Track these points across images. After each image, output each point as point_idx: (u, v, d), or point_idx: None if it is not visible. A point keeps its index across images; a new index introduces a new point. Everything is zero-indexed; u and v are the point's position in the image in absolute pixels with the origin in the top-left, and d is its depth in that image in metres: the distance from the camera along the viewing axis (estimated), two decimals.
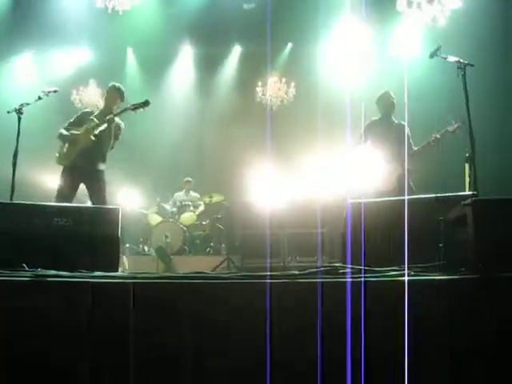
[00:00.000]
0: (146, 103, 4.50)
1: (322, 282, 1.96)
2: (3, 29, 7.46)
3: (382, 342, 1.87)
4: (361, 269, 2.15)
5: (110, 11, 5.95)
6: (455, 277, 2.05)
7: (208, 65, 8.60)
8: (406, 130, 4.94)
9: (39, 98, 4.42)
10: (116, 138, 4.66)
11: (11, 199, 3.87)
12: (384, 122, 4.94)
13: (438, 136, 4.76)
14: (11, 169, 4.05)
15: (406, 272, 2.03)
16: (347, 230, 2.92)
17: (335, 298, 1.91)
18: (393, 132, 4.88)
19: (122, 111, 4.54)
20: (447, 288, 1.95)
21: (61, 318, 1.96)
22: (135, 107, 4.48)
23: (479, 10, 6.37)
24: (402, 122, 4.92)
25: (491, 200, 2.33)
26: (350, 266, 2.24)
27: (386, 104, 4.93)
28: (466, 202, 2.35)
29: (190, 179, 7.76)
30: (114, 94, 4.74)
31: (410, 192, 4.58)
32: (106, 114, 4.61)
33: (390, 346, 1.87)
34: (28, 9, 7.46)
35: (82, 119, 4.66)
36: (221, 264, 6.16)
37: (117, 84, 4.80)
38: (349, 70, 7.59)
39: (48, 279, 2.13)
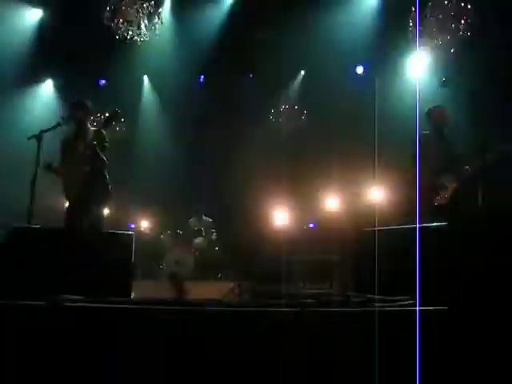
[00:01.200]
0: (114, 114, 4.43)
1: (336, 310, 1.96)
2: (26, 56, 7.70)
3: (396, 370, 1.86)
4: (373, 298, 2.14)
5: (128, 41, 6.14)
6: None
7: (223, 92, 8.74)
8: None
9: (58, 124, 4.53)
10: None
11: (29, 223, 3.93)
12: (437, 137, 4.83)
13: (493, 157, 4.53)
14: (29, 194, 4.13)
15: (417, 301, 2.02)
16: (359, 257, 2.92)
17: (348, 327, 1.90)
18: (445, 148, 4.78)
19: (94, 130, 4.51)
20: (455, 318, 1.94)
21: (77, 341, 1.98)
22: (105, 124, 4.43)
23: (489, 38, 6.43)
24: (454, 141, 4.81)
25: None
26: (362, 295, 2.24)
27: (440, 120, 4.82)
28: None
29: (198, 205, 7.74)
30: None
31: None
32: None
33: (403, 375, 1.86)
34: (51, 37, 7.72)
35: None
36: (232, 290, 6.13)
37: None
38: (360, 96, 7.67)
39: (64, 304, 2.16)
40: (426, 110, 4.87)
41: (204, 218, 7.71)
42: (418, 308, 1.96)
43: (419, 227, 2.94)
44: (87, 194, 4.44)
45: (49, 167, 4.45)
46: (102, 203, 4.61)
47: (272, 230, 7.78)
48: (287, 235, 6.92)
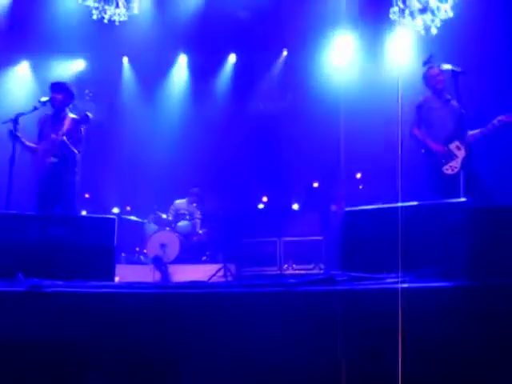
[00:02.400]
0: (84, 119, 4.41)
1: (320, 290, 1.96)
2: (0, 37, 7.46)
3: (378, 350, 1.87)
4: (358, 277, 2.15)
5: (106, 21, 5.96)
6: (451, 284, 2.06)
7: (203, 73, 8.62)
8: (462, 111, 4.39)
9: (35, 108, 4.42)
10: None
11: (7, 209, 3.86)
12: (439, 98, 4.49)
13: (503, 118, 4.21)
14: (7, 179, 4.04)
15: (400, 279, 2.03)
16: (343, 237, 2.92)
17: (332, 307, 1.90)
18: (449, 109, 4.40)
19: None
20: (443, 295, 1.95)
21: (56, 327, 1.95)
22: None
23: (471, 19, 6.43)
24: (456, 102, 4.36)
25: (485, 208, 2.34)
26: (346, 273, 2.25)
27: (437, 79, 4.44)
28: (460, 209, 2.37)
29: (197, 190, 7.61)
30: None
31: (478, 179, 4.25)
32: None
33: (386, 355, 1.87)
34: (25, 18, 7.47)
35: None
36: (217, 272, 6.14)
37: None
38: (343, 76, 7.63)
39: (44, 289, 2.12)
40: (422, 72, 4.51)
41: (195, 204, 7.56)
42: (400, 285, 1.96)
43: (401, 206, 2.95)
44: (53, 189, 4.36)
45: (12, 134, 4.28)
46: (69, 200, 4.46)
47: (256, 212, 7.79)
48: (271, 217, 6.93)
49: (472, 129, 4.41)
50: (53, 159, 4.36)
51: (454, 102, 4.40)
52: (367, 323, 1.85)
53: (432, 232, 2.70)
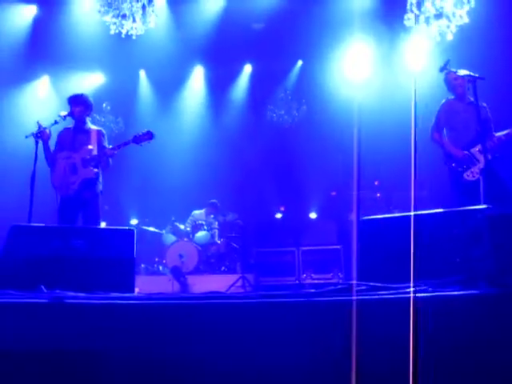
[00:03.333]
0: (149, 135, 4.47)
1: (338, 300, 1.95)
2: (21, 53, 7.66)
3: (396, 360, 1.85)
4: (376, 286, 2.13)
5: (123, 36, 6.07)
6: (473, 292, 2.03)
7: (219, 84, 8.70)
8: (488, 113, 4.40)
9: (55, 122, 4.52)
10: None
11: (29, 222, 3.93)
12: (461, 102, 4.48)
13: None
14: (29, 192, 4.12)
15: (419, 289, 2.01)
16: (360, 246, 2.91)
17: (350, 316, 1.89)
18: (472, 112, 4.25)
19: (123, 144, 4.49)
20: (464, 304, 1.93)
21: (77, 338, 1.97)
22: (139, 140, 4.44)
23: (487, 25, 6.36)
24: (483, 104, 4.30)
25: (506, 214, 2.31)
26: (365, 283, 2.23)
27: (456, 84, 4.45)
28: (481, 216, 2.33)
29: (216, 201, 7.63)
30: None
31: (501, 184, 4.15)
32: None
33: (403, 365, 1.84)
34: (45, 34, 7.66)
35: None
36: (236, 283, 6.14)
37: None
38: (358, 86, 7.62)
39: (65, 301, 2.15)
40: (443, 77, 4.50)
41: (212, 216, 7.58)
42: (412, 295, 1.93)
43: (415, 215, 2.92)
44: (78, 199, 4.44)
45: (38, 134, 4.36)
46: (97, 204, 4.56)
47: (274, 221, 7.79)
48: (289, 226, 6.93)
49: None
50: (94, 170, 4.44)
51: (481, 104, 4.29)
52: (386, 333, 1.83)
53: (452, 240, 2.66)
